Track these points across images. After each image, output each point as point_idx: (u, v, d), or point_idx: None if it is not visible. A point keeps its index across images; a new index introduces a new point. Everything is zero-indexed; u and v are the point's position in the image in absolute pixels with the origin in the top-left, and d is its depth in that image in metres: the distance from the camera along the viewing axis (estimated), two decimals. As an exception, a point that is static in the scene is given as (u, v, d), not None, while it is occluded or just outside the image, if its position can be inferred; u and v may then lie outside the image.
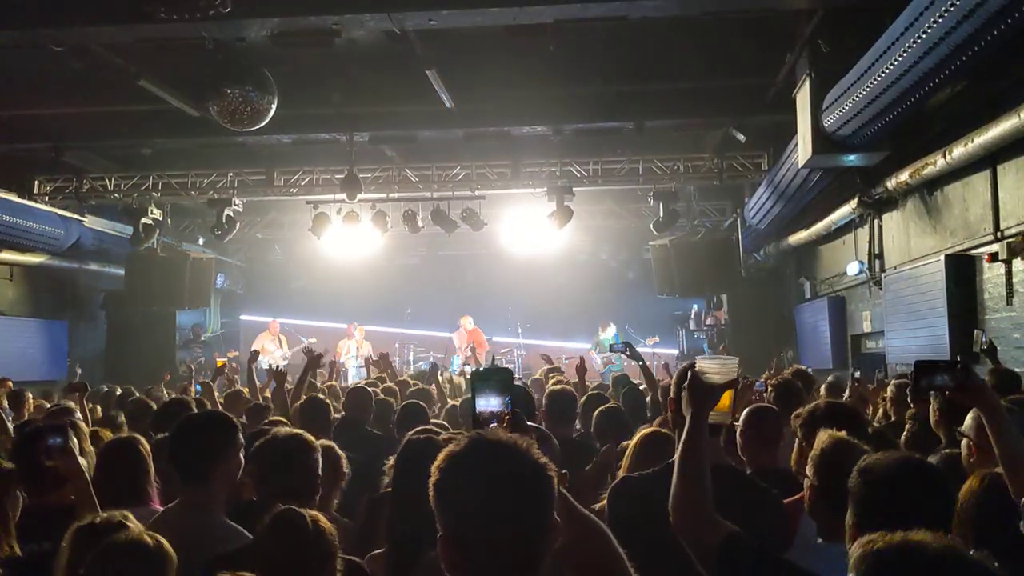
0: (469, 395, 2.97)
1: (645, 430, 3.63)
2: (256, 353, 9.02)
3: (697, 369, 2.35)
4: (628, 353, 7.12)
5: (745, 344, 13.93)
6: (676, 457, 2.22)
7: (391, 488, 2.92)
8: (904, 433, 4.45)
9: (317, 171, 13.08)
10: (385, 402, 6.17)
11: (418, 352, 17.13)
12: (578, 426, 5.49)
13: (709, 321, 15.75)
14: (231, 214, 13.32)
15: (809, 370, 7.48)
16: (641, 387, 6.90)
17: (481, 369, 2.19)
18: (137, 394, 7.98)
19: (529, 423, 2.28)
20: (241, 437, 3.02)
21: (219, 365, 8.72)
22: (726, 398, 2.35)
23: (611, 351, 9.66)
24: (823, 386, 7.34)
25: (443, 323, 16.41)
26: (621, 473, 3.42)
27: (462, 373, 10.00)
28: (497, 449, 1.53)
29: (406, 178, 13.08)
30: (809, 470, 2.66)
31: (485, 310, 17.29)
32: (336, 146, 11.54)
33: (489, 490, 1.48)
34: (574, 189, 12.77)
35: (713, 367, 2.35)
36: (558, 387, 5.69)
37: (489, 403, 2.03)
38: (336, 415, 5.57)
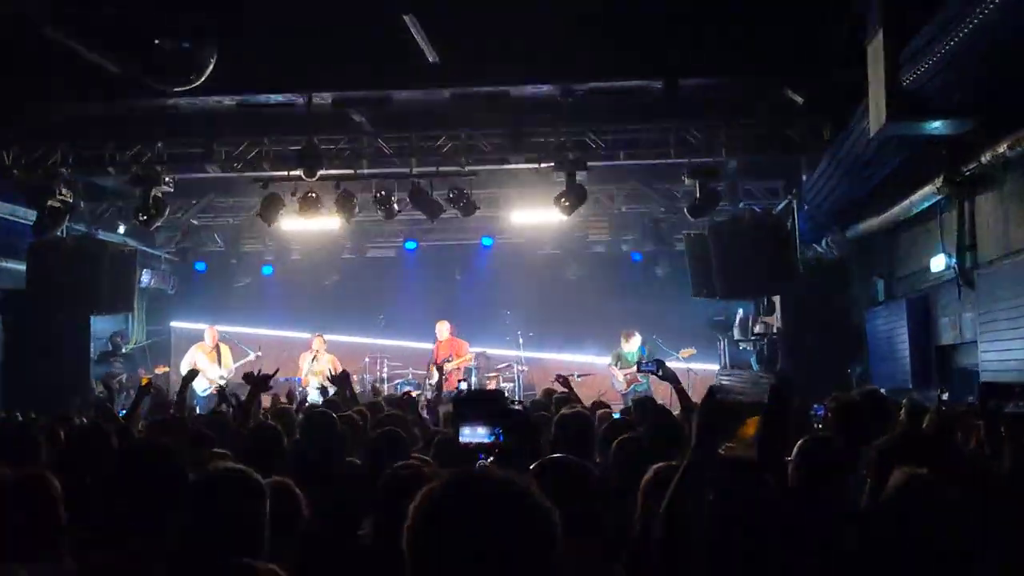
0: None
1: (660, 465, 3.62)
2: (194, 373, 9.03)
3: (717, 386, 2.37)
4: (660, 373, 7.10)
5: (803, 358, 13.92)
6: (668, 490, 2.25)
7: (372, 536, 2.92)
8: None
9: (267, 142, 13.09)
10: (342, 432, 6.15)
11: (395, 368, 17.12)
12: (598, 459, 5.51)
13: (758, 329, 15.74)
14: (159, 195, 13.31)
15: (882, 391, 7.48)
16: (676, 412, 6.91)
17: (464, 392, 2.20)
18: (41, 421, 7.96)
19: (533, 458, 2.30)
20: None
21: (143, 383, 8.71)
22: (750, 426, 2.35)
23: (640, 371, 9.65)
24: (902, 410, 7.35)
25: (425, 332, 16.42)
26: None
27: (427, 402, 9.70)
28: (485, 489, 1.51)
29: (379, 150, 13.08)
30: (880, 519, 2.67)
31: (477, 315, 17.31)
32: (291, 111, 11.53)
33: (474, 540, 1.44)
34: (588, 164, 12.79)
35: (741, 386, 2.38)
36: (571, 411, 5.69)
37: (475, 433, 2.04)
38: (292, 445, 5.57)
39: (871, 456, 3.45)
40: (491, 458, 1.99)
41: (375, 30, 9.53)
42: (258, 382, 6.64)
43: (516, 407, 8.07)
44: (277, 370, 7.02)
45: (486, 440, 2.04)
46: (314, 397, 14.11)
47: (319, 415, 6.16)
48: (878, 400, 6.37)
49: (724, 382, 13.37)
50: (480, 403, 2.09)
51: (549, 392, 9.07)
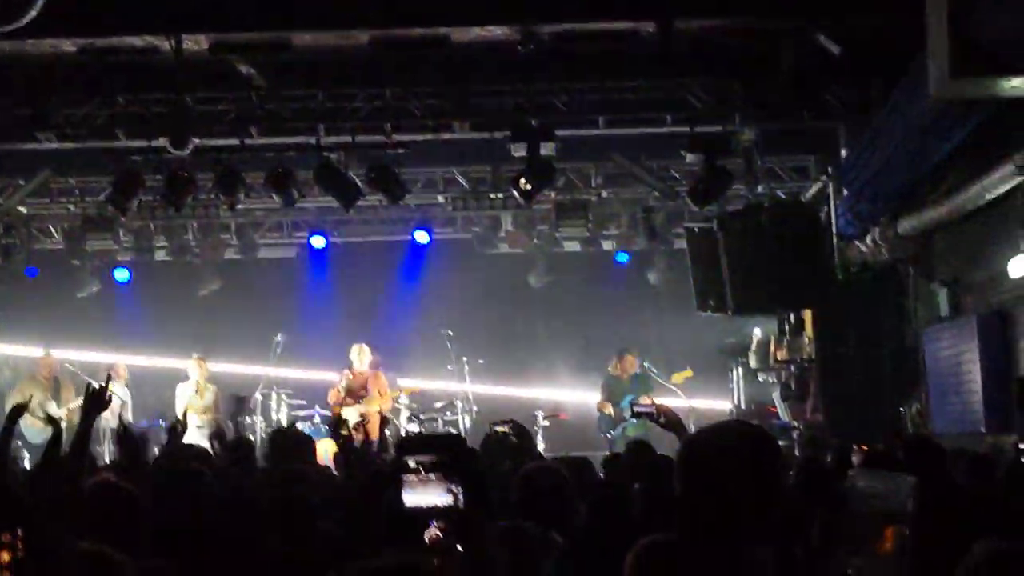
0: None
1: (654, 540, 3.59)
2: (20, 409, 8.87)
3: (848, 489, 2.46)
4: (660, 419, 7.06)
5: (842, 394, 14.02)
6: None
7: None
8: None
9: (122, 102, 13.03)
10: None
11: (294, 403, 16.99)
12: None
13: (782, 355, 15.85)
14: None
15: (937, 437, 7.55)
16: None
17: (410, 436, 2.21)
18: None
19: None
20: None
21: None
22: (888, 539, 2.41)
23: (632, 413, 9.60)
24: (965, 463, 7.42)
25: (338, 358, 16.31)
26: None
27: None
28: None
29: (274, 114, 13.06)
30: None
31: (407, 336, 17.21)
32: (154, 60, 11.45)
33: None
34: (556, 133, 12.81)
35: (882, 489, 2.44)
36: (536, 464, 5.68)
37: (426, 495, 2.03)
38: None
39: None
40: (443, 527, 1.98)
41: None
42: (95, 399, 6.48)
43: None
44: (109, 377, 6.80)
45: (440, 502, 2.03)
46: (195, 439, 13.97)
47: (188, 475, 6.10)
48: (926, 449, 6.39)
49: (860, 485, 13.35)
50: (432, 450, 2.07)
51: (493, 437, 9.00)
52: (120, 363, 16.21)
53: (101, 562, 3.45)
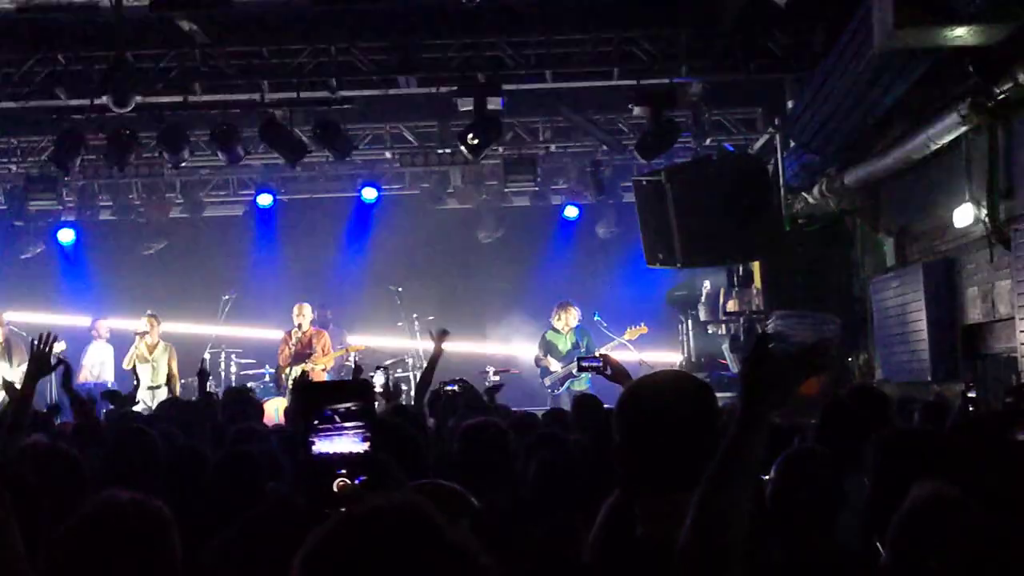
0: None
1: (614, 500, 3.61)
2: None
3: (772, 332, 2.42)
4: (608, 372, 7.07)
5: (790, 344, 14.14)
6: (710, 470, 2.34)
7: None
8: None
9: (61, 60, 12.90)
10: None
11: (245, 366, 16.96)
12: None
13: (731, 307, 15.94)
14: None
15: (882, 384, 7.61)
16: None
17: (310, 380, 2.16)
18: None
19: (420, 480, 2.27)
20: None
21: None
22: (811, 384, 2.41)
23: (580, 369, 9.62)
24: (916, 411, 7.50)
25: (285, 316, 16.27)
26: None
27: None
28: (379, 531, 1.52)
29: (217, 70, 12.96)
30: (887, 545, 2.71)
31: (356, 293, 17.20)
32: (94, 16, 11.35)
33: None
34: (503, 88, 12.77)
35: (799, 331, 2.43)
36: (476, 421, 5.68)
37: (333, 443, 2.00)
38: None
39: (872, 457, 3.51)
40: (357, 477, 1.95)
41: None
42: (39, 357, 6.39)
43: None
44: (54, 338, 6.63)
45: (353, 450, 2.00)
46: (147, 402, 13.90)
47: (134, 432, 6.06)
48: (874, 399, 6.43)
49: (779, 326, 13.31)
50: (341, 397, 2.03)
51: (438, 393, 9.04)
52: (102, 321, 16.17)
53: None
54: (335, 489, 2.04)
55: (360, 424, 2.05)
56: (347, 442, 2.04)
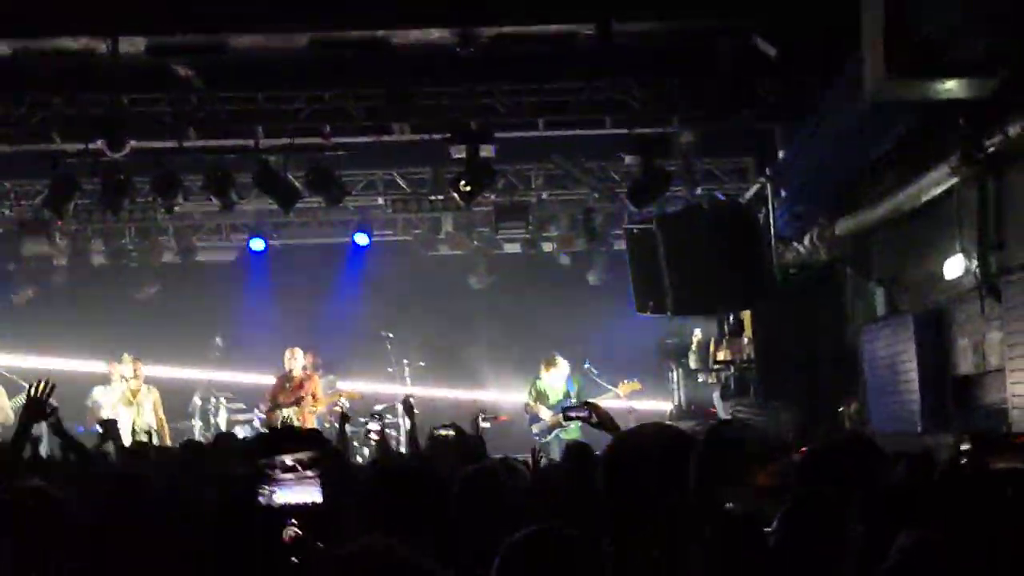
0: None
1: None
2: None
3: (728, 419, 2.44)
4: (593, 420, 7.01)
5: (781, 394, 14.09)
6: None
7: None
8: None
9: (58, 103, 12.88)
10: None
11: (234, 407, 16.86)
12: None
13: (722, 356, 15.91)
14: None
15: (874, 434, 7.58)
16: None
17: (266, 432, 2.13)
18: None
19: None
20: None
21: None
22: (767, 474, 2.40)
23: (566, 418, 9.56)
24: (902, 463, 7.45)
25: (275, 360, 16.20)
26: None
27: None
28: None
29: (212, 116, 12.97)
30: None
31: (347, 339, 17.14)
32: (89, 61, 11.33)
33: None
34: (496, 135, 12.83)
35: (758, 420, 2.45)
36: (477, 467, 5.65)
37: (289, 489, 1.98)
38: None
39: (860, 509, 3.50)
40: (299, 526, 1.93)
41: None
42: (34, 403, 6.30)
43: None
44: (52, 386, 6.49)
45: (306, 500, 1.98)
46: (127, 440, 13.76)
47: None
48: (864, 448, 6.38)
49: (739, 413, 13.37)
50: (293, 445, 2.01)
51: (433, 439, 8.97)
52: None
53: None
54: (284, 538, 2.00)
55: (313, 474, 2.03)
56: (301, 492, 2.01)
